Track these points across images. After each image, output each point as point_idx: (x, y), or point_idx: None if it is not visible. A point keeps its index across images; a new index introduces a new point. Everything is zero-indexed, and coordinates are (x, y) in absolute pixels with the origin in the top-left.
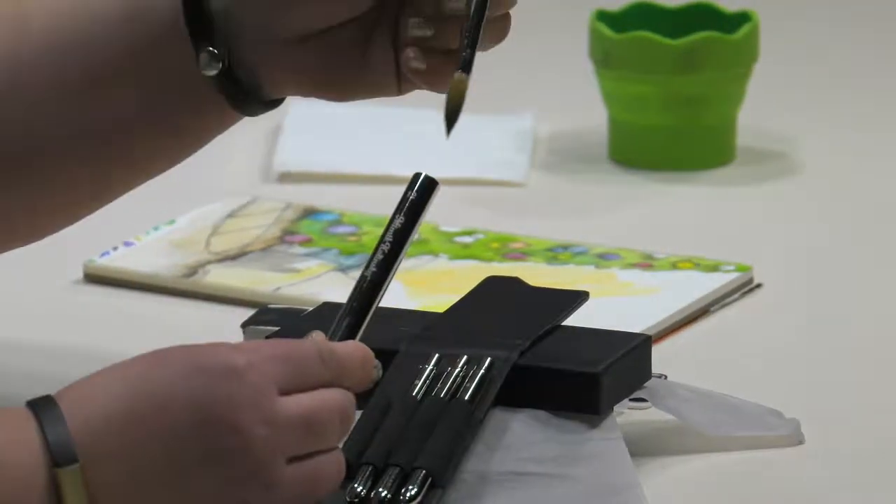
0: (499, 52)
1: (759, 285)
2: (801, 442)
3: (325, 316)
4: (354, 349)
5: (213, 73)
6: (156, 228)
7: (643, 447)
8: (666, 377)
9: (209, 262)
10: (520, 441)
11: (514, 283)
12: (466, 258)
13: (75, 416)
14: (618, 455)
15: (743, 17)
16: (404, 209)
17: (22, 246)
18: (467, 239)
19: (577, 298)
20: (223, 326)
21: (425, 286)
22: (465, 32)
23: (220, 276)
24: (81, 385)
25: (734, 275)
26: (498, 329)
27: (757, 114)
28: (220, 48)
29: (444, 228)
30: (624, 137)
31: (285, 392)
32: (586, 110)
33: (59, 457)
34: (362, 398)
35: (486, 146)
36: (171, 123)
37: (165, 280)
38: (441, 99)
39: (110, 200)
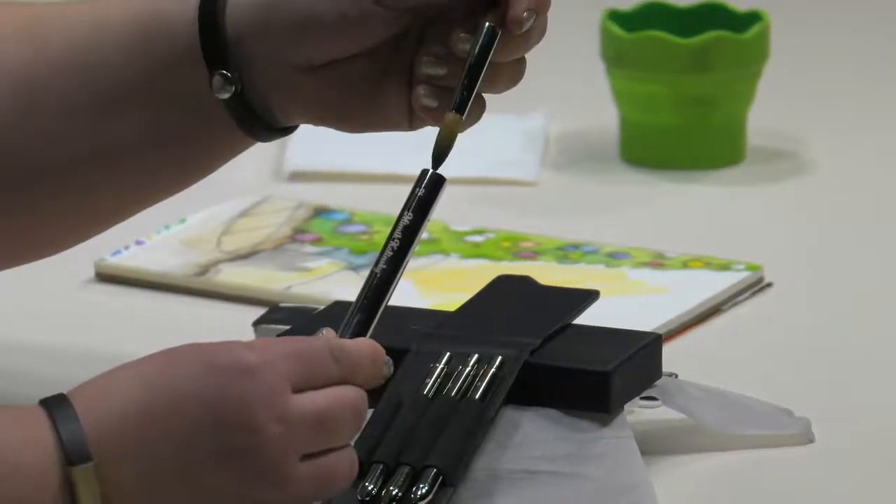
0: None
1: (769, 284)
2: (811, 441)
3: (336, 315)
4: (365, 346)
5: (225, 96)
6: (167, 227)
7: (654, 445)
8: (676, 376)
9: (220, 261)
10: (531, 439)
11: (525, 281)
12: (477, 257)
13: (89, 415)
14: (628, 453)
15: (754, 17)
16: (413, 206)
17: (28, 263)
18: (478, 238)
19: (587, 297)
20: (234, 325)
21: (436, 285)
22: (464, 72)
23: (232, 275)
24: (94, 384)
25: (745, 274)
26: (509, 328)
27: (767, 113)
28: (234, 73)
29: (455, 228)
30: (635, 137)
31: (298, 390)
32: (597, 110)
33: (73, 455)
34: (373, 397)
35: (497, 145)
36: (181, 148)
37: (177, 279)
38: None
39: (117, 222)
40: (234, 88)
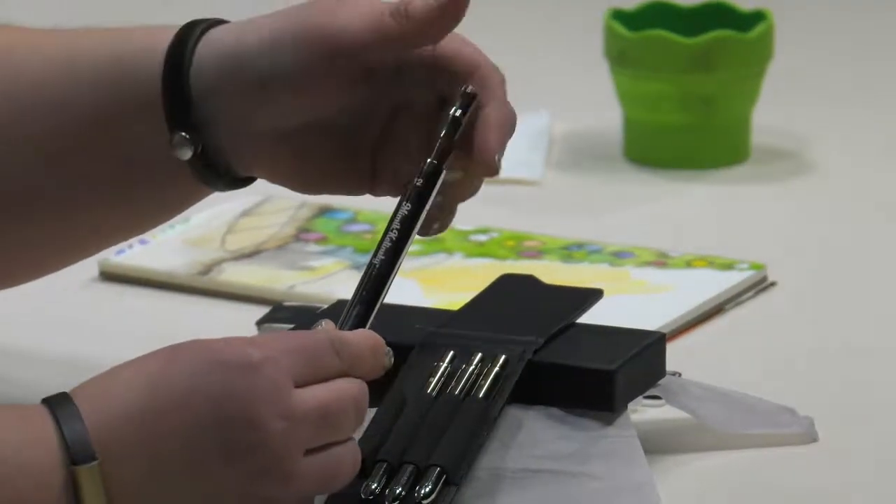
0: (514, 51)
1: (773, 284)
2: (814, 440)
3: (339, 313)
4: (366, 338)
5: (186, 156)
6: (171, 227)
7: (657, 444)
8: (680, 375)
9: (224, 261)
10: (534, 438)
11: (529, 280)
12: (481, 256)
13: (92, 414)
14: (632, 452)
15: (758, 16)
16: (410, 196)
17: None
18: (482, 237)
19: (591, 296)
20: (238, 324)
21: (440, 284)
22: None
23: (235, 275)
24: (97, 382)
25: (748, 273)
26: (512, 326)
27: (771, 113)
28: (195, 134)
29: (459, 227)
30: (639, 136)
31: (301, 384)
32: (601, 109)
33: (76, 455)
34: (377, 396)
35: None
36: (138, 192)
37: (181, 278)
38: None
39: (75, 261)
40: (194, 149)
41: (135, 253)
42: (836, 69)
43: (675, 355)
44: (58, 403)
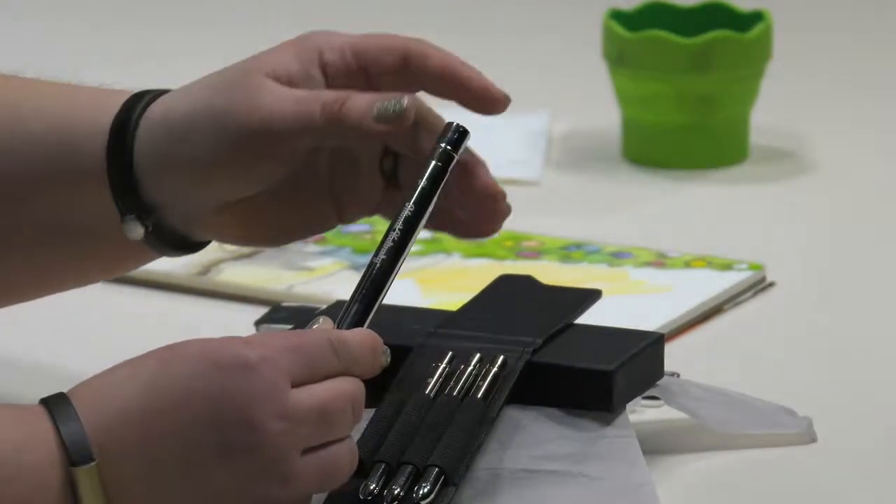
0: (513, 51)
1: (771, 284)
2: (813, 440)
3: (338, 314)
4: (365, 337)
5: (137, 237)
6: None
7: (656, 445)
8: (679, 375)
9: (223, 261)
10: (533, 439)
11: (527, 281)
12: (480, 256)
13: (90, 414)
14: (631, 453)
15: (756, 17)
16: (415, 197)
17: None
18: (481, 238)
19: (589, 296)
20: (236, 324)
21: (439, 284)
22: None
23: (234, 275)
24: (94, 382)
25: (747, 273)
26: (511, 327)
27: (770, 113)
28: (144, 214)
29: None
30: (637, 136)
31: (298, 383)
32: (600, 109)
33: (74, 455)
34: (376, 397)
35: (500, 145)
36: (85, 250)
37: (179, 278)
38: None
39: (19, 302)
40: (144, 229)
41: None
42: (834, 69)
43: (674, 356)
44: (55, 404)
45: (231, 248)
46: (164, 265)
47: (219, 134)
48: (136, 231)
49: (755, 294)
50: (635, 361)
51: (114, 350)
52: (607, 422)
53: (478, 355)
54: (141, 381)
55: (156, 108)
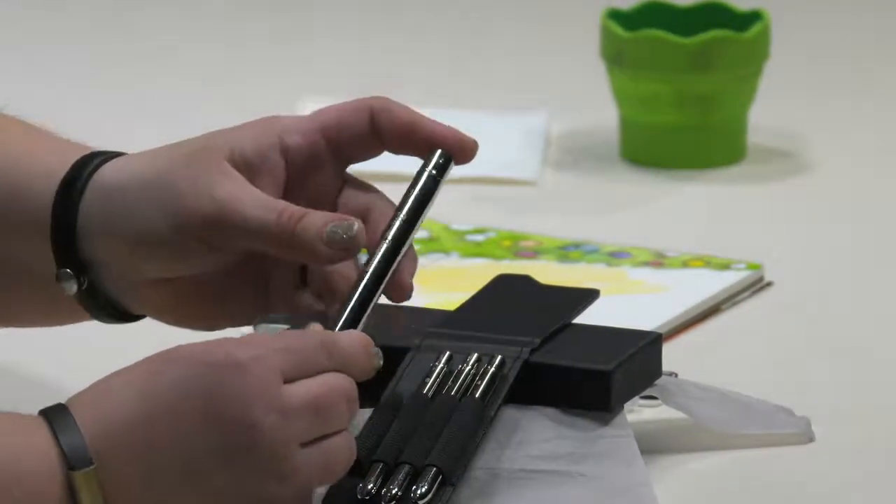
0: (511, 51)
1: (769, 283)
2: (811, 440)
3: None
4: (357, 338)
5: (70, 291)
6: None
7: (654, 444)
8: (676, 375)
9: None
10: (530, 438)
11: (525, 280)
12: (478, 256)
13: (88, 423)
14: (628, 452)
15: (754, 16)
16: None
17: None
18: (479, 237)
19: (587, 296)
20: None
21: (437, 284)
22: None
23: None
24: (90, 392)
25: (745, 273)
26: (509, 327)
27: (768, 112)
28: (81, 271)
29: (456, 227)
30: (635, 136)
31: (290, 381)
32: (598, 109)
33: (74, 461)
34: (373, 396)
35: (498, 145)
36: (22, 294)
37: None
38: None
39: None
40: (78, 286)
41: None
42: (832, 69)
43: (672, 355)
44: (54, 414)
45: None
46: None
47: (167, 210)
48: (70, 286)
49: (753, 294)
50: (633, 361)
51: (115, 350)
52: (605, 421)
53: (476, 355)
54: (135, 388)
55: (107, 170)
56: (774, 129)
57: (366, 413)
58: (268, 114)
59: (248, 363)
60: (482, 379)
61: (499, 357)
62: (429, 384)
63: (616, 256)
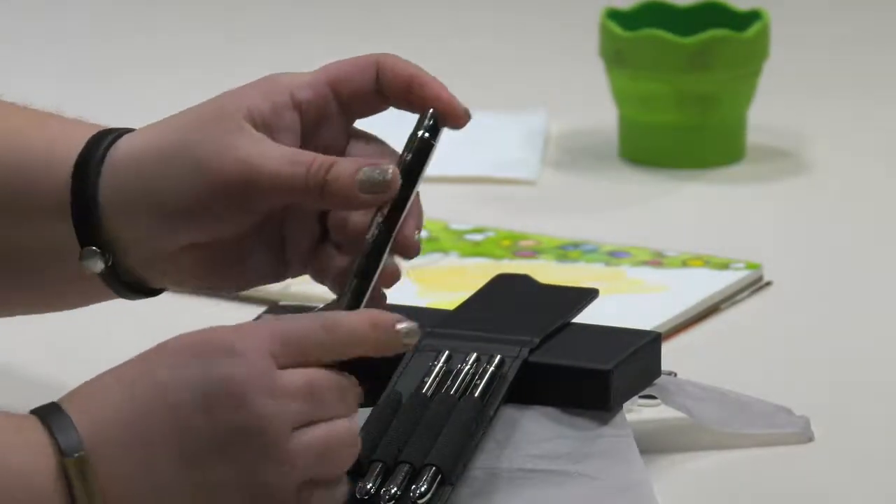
0: (511, 50)
1: (768, 283)
2: (810, 439)
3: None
4: (362, 315)
5: (96, 270)
6: None
7: (653, 444)
8: (676, 374)
9: None
10: (530, 438)
11: (525, 280)
12: (477, 256)
13: (80, 417)
14: (628, 452)
15: (754, 16)
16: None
17: None
18: (478, 237)
19: (587, 296)
20: (239, 320)
21: (436, 284)
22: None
23: None
24: (81, 390)
25: (744, 273)
26: (508, 326)
27: (767, 112)
28: (105, 251)
29: (455, 226)
30: (634, 135)
31: (286, 366)
32: (597, 108)
33: (67, 449)
34: (372, 395)
35: (497, 144)
36: (40, 282)
37: None
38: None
39: None
40: (105, 263)
41: None
42: (831, 68)
43: (671, 355)
44: (47, 411)
45: None
46: None
47: (194, 177)
48: (96, 264)
49: (752, 293)
50: (632, 360)
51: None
52: (604, 421)
53: (475, 354)
54: (126, 383)
55: (123, 145)
56: (774, 128)
57: (365, 412)
58: None
59: (240, 347)
60: (481, 378)
61: (498, 356)
62: (428, 384)
63: (615, 256)
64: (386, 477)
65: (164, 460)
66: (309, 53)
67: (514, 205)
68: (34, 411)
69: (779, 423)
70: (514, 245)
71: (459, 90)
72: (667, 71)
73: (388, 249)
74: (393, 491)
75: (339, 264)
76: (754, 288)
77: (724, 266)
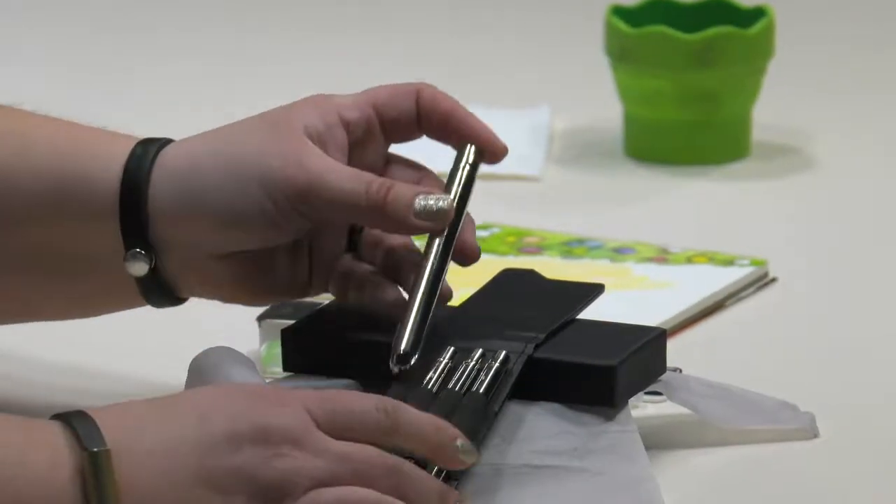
0: (516, 47)
1: (773, 279)
2: (815, 435)
3: (336, 312)
4: (423, 414)
5: (141, 272)
6: None
7: (658, 440)
8: (681, 370)
9: None
10: (535, 434)
11: (530, 275)
12: (482, 252)
13: (107, 422)
14: (633, 448)
15: (759, 13)
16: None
17: None
18: (483, 233)
19: (592, 291)
20: (239, 320)
21: None
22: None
23: None
24: (108, 406)
25: (749, 269)
26: (513, 322)
27: (772, 109)
28: (150, 253)
29: None
30: (639, 132)
31: (328, 432)
32: (602, 105)
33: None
34: (377, 392)
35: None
36: (72, 285)
37: None
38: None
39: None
40: (148, 266)
41: None
42: (836, 65)
43: (676, 351)
44: (72, 416)
45: None
46: None
47: (257, 184)
48: (141, 268)
49: (757, 289)
50: (638, 356)
51: (117, 350)
52: (610, 417)
53: (480, 350)
54: (158, 403)
55: (169, 154)
56: (779, 125)
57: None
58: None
59: (288, 399)
60: (486, 374)
61: (503, 352)
62: (433, 379)
63: (620, 252)
64: None
65: (186, 475)
66: (309, 53)
67: (519, 201)
68: (56, 416)
69: (784, 420)
70: (519, 241)
71: (464, 87)
72: (672, 68)
73: (443, 278)
74: None
75: (361, 273)
76: (759, 284)
77: (730, 262)
